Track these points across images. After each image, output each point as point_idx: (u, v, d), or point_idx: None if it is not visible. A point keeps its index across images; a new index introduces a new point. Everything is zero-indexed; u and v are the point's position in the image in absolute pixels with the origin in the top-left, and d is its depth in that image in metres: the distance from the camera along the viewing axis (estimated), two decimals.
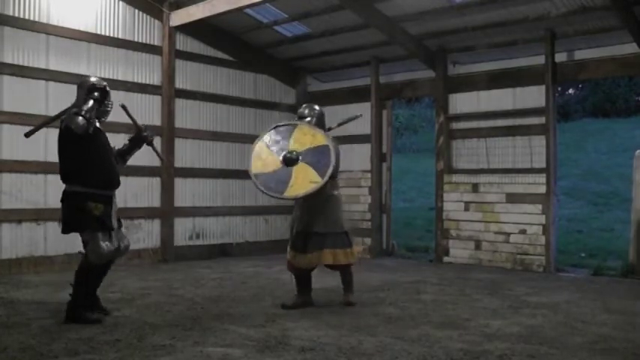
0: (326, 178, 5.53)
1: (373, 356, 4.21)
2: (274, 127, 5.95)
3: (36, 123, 8.00)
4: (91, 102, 5.02)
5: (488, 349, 4.41)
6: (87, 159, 5.07)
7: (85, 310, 5.06)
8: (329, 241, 5.81)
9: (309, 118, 6.05)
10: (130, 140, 5.75)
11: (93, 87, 5.15)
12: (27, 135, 5.33)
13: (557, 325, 5.19)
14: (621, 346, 4.55)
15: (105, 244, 5.07)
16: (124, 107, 5.56)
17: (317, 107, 6.22)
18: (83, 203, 5.01)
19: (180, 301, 6.08)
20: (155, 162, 9.36)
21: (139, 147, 5.78)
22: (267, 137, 5.84)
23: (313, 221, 5.82)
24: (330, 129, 6.18)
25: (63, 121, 5.10)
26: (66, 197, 5.12)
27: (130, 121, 5.71)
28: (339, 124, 6.47)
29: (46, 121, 5.65)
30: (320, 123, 6.10)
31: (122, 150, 5.65)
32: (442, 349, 4.37)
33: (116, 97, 9.02)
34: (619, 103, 21.88)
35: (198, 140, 10.01)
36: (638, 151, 8.57)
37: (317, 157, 5.60)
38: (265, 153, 5.74)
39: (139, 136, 5.67)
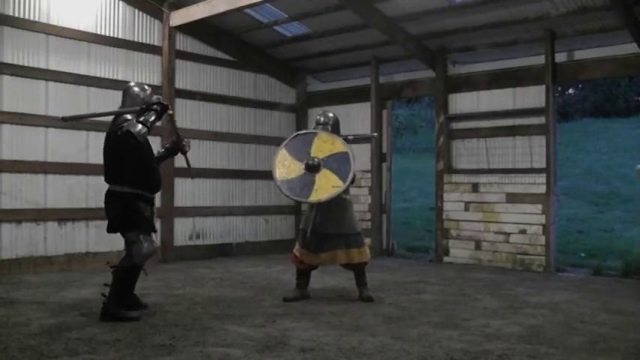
0: (348, 182, 5.84)
1: (373, 356, 4.21)
2: (295, 136, 6.27)
3: (36, 123, 8.15)
4: (153, 116, 5.26)
5: (488, 349, 4.41)
6: (140, 164, 5.31)
7: (127, 309, 5.22)
8: (342, 242, 6.14)
9: (326, 126, 6.30)
10: (166, 148, 5.95)
11: (159, 103, 5.36)
12: (65, 119, 5.63)
13: (557, 325, 5.20)
14: (621, 346, 4.55)
15: (148, 245, 5.31)
16: (171, 116, 5.78)
17: (331, 114, 6.49)
18: (135, 204, 5.24)
19: (180, 301, 6.08)
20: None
21: (174, 155, 6.03)
22: (289, 145, 6.15)
23: (328, 223, 6.12)
24: (345, 138, 6.36)
25: (121, 126, 5.25)
26: (116, 198, 5.27)
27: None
28: (355, 137, 6.72)
29: (92, 115, 6.23)
30: (336, 129, 6.39)
31: (157, 157, 5.78)
32: (442, 349, 4.37)
33: (116, 97, 9.11)
34: (619, 103, 21.88)
35: (198, 140, 9.99)
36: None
37: (337, 163, 5.91)
38: (288, 160, 6.04)
39: (177, 145, 5.83)
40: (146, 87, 5.61)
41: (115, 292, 5.20)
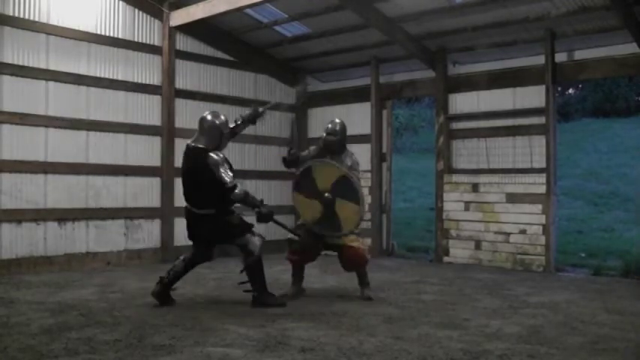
0: (362, 203, 6.15)
1: (373, 356, 4.21)
2: (297, 178, 6.47)
3: (36, 123, 8.15)
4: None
5: (488, 349, 4.41)
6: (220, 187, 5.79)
7: (270, 295, 5.96)
8: (336, 237, 6.33)
9: (335, 135, 6.42)
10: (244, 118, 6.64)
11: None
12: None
13: (557, 325, 5.20)
14: (621, 346, 4.55)
15: (257, 237, 6.03)
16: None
17: (338, 120, 6.59)
18: (223, 221, 5.90)
19: (181, 301, 6.08)
20: (155, 162, 9.42)
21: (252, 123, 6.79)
22: (300, 187, 6.42)
23: (326, 223, 6.30)
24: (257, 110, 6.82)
25: (193, 155, 5.84)
26: (207, 218, 5.85)
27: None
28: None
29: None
30: (344, 136, 6.52)
31: (235, 128, 6.48)
32: (442, 349, 4.37)
33: (116, 97, 9.19)
34: (619, 103, 21.87)
35: None
36: None
37: (343, 189, 6.12)
38: (306, 201, 6.36)
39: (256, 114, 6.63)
40: (214, 115, 6.05)
41: (258, 285, 5.87)
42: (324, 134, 6.47)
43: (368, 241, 10.23)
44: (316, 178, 6.22)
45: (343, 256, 6.34)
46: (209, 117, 5.96)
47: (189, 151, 5.90)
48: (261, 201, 5.99)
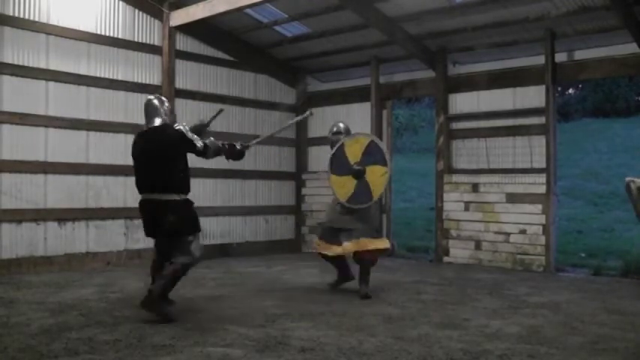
0: (389, 163, 6.62)
1: (373, 356, 4.21)
2: (331, 159, 6.73)
3: (36, 123, 8.14)
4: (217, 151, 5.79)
5: (488, 349, 4.41)
6: (186, 170, 5.60)
7: (168, 306, 5.40)
8: (354, 235, 6.51)
9: (342, 135, 6.85)
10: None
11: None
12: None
13: (557, 325, 5.20)
14: (621, 346, 4.55)
15: (200, 242, 5.66)
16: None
17: (342, 124, 7.03)
18: (193, 209, 5.59)
19: (181, 301, 6.07)
20: None
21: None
22: (333, 168, 6.71)
23: (346, 218, 6.58)
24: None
25: (162, 133, 5.51)
26: (178, 205, 5.44)
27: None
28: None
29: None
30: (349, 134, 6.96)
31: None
32: (442, 349, 4.37)
33: (116, 97, 9.19)
34: (619, 103, 21.88)
35: None
36: None
37: (371, 155, 6.57)
38: (340, 180, 6.64)
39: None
40: (164, 99, 5.85)
41: (165, 286, 5.32)
42: (330, 135, 6.97)
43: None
44: (347, 153, 6.63)
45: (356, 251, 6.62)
46: (156, 100, 5.70)
47: (148, 134, 5.58)
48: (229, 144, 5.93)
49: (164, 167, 5.42)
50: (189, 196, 5.61)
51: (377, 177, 6.53)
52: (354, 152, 6.62)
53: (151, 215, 5.53)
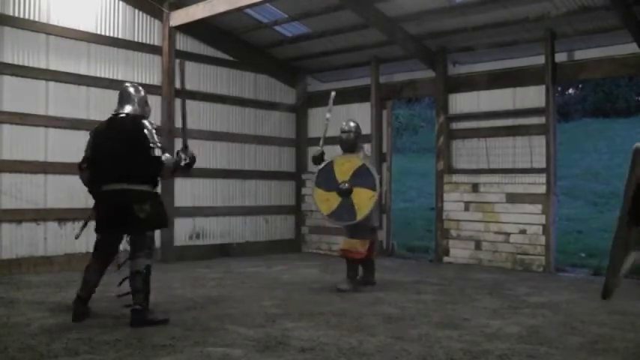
0: (378, 188, 6.60)
1: (373, 356, 4.21)
2: (318, 172, 6.93)
3: (36, 123, 8.14)
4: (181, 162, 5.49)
5: (488, 349, 4.41)
6: (160, 165, 5.30)
7: (153, 312, 5.15)
8: (350, 232, 6.81)
9: (350, 134, 6.99)
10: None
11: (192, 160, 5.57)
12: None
13: (557, 325, 5.20)
14: (621, 346, 4.55)
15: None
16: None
17: (353, 123, 7.12)
18: (162, 202, 5.42)
19: (180, 301, 6.08)
20: None
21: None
22: (318, 182, 6.89)
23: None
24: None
25: (132, 122, 5.27)
26: (148, 198, 5.19)
27: None
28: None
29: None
30: (359, 135, 7.10)
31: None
32: (442, 349, 4.37)
33: (116, 97, 9.07)
34: (619, 103, 21.87)
35: (198, 140, 9.98)
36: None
37: (361, 177, 6.62)
38: (324, 195, 6.78)
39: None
40: (140, 88, 5.64)
41: (144, 295, 5.08)
42: (341, 132, 7.04)
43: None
44: (336, 171, 6.73)
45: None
46: (131, 88, 5.53)
47: (115, 121, 5.36)
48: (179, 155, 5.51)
49: (136, 156, 5.13)
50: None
51: (364, 199, 6.56)
52: (344, 171, 6.70)
53: (116, 207, 5.15)
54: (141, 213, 5.10)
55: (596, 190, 15.78)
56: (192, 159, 5.56)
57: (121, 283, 5.30)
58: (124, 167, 5.14)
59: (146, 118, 5.38)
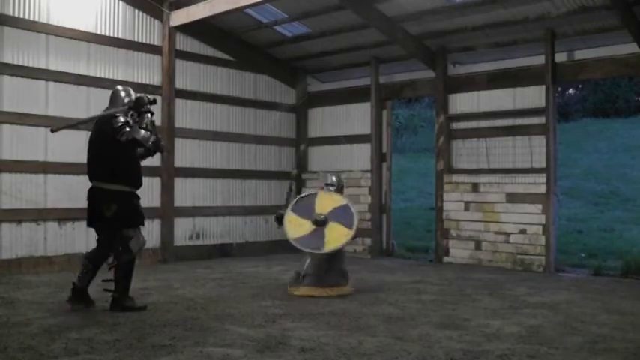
0: (354, 229, 6.62)
1: (373, 356, 4.21)
2: (298, 199, 6.97)
3: (36, 123, 8.14)
4: (148, 116, 5.59)
5: (488, 349, 4.41)
6: (132, 162, 5.66)
7: (132, 299, 5.60)
8: (327, 282, 6.63)
9: (333, 187, 7.15)
10: None
11: (148, 103, 5.62)
12: (53, 131, 5.94)
13: (557, 325, 5.20)
14: (621, 346, 4.55)
15: (141, 236, 5.75)
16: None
17: (335, 178, 7.28)
18: (133, 202, 5.65)
19: (180, 301, 6.08)
20: (155, 162, 9.40)
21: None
22: (295, 208, 6.86)
23: (320, 266, 6.65)
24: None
25: (121, 131, 5.43)
26: (117, 196, 5.51)
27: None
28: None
29: (81, 122, 6.50)
30: (341, 186, 7.29)
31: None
32: (442, 349, 4.37)
33: None
34: (619, 103, 21.89)
35: (198, 140, 10.01)
36: None
37: (341, 215, 6.68)
38: (296, 220, 6.75)
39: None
40: (132, 91, 5.77)
41: (123, 286, 5.55)
42: (324, 185, 7.23)
43: (368, 241, 10.27)
44: (317, 204, 6.80)
45: None
46: (122, 92, 5.71)
47: (98, 122, 5.64)
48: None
49: (105, 155, 5.49)
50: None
51: (338, 235, 6.57)
52: (324, 205, 6.78)
53: (90, 205, 5.60)
54: (107, 212, 5.47)
55: (596, 190, 15.78)
56: (158, 139, 5.77)
57: (110, 269, 5.69)
58: (97, 166, 5.56)
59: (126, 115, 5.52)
